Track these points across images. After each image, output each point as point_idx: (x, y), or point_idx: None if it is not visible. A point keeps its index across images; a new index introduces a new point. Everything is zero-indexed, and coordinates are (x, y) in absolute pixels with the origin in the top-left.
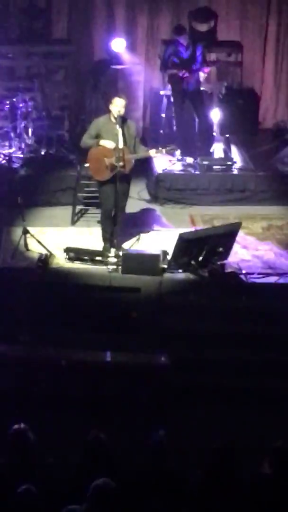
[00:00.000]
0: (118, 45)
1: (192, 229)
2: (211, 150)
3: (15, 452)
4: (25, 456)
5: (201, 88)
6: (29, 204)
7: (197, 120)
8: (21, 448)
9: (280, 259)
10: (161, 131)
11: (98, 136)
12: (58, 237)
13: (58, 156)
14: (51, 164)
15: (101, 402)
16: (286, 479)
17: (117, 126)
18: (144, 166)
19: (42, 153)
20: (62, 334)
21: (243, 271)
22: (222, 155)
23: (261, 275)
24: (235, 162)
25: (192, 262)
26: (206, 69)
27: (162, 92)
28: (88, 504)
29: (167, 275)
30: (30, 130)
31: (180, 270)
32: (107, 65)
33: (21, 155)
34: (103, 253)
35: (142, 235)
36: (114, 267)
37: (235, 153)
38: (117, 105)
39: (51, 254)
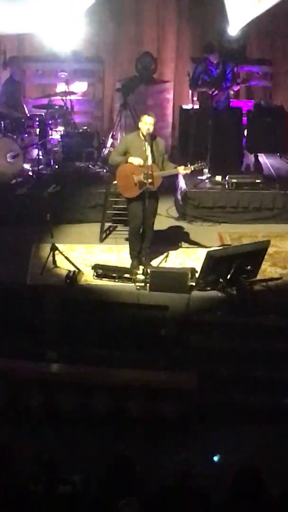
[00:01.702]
0: (147, 63)
1: (221, 247)
2: (240, 168)
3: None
4: (51, 474)
5: (231, 106)
6: (58, 221)
7: (226, 137)
8: (47, 466)
9: None
10: (190, 149)
11: (126, 153)
12: (86, 254)
13: (87, 173)
14: (80, 181)
15: (127, 420)
16: None
17: (146, 143)
18: (172, 183)
19: (71, 170)
20: (89, 352)
21: (272, 289)
22: (251, 173)
23: None
24: (264, 180)
25: (221, 280)
26: (236, 87)
27: (191, 110)
28: None
29: (195, 292)
30: (59, 147)
31: (208, 288)
32: (136, 82)
33: (50, 172)
34: (131, 271)
35: (170, 252)
36: (142, 284)
37: (264, 170)
38: (146, 123)
39: (79, 271)
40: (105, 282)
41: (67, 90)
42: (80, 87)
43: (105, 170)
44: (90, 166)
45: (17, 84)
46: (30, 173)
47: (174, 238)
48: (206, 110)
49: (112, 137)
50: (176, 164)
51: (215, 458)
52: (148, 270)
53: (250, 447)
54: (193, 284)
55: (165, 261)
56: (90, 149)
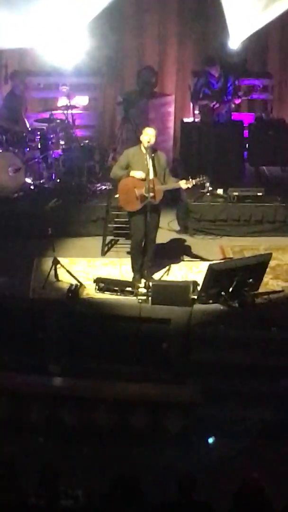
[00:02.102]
0: (148, 76)
1: (223, 260)
2: (241, 181)
3: (43, 482)
4: (54, 487)
5: (232, 119)
6: (60, 234)
7: (227, 150)
8: (49, 478)
9: None
10: (192, 162)
11: (128, 167)
12: (88, 267)
13: (88, 187)
14: (82, 195)
15: (130, 434)
16: None
17: (147, 157)
18: (174, 197)
19: (73, 184)
20: (92, 365)
21: (274, 302)
22: (253, 186)
23: None
24: (265, 193)
25: (223, 293)
26: (237, 100)
27: (192, 123)
28: None
29: (197, 306)
30: (60, 161)
31: (210, 301)
32: (137, 96)
33: (52, 186)
34: (133, 284)
35: (172, 266)
36: (144, 297)
37: (265, 184)
38: (148, 134)
39: (81, 284)
40: (107, 296)
41: (68, 104)
42: (81, 101)
43: (106, 184)
44: (91, 180)
45: (18, 98)
46: (32, 187)
47: (176, 252)
48: (207, 123)
49: (114, 150)
50: (178, 178)
51: (210, 440)
52: (150, 284)
53: (254, 459)
54: (195, 297)
55: (167, 275)
56: (92, 163)
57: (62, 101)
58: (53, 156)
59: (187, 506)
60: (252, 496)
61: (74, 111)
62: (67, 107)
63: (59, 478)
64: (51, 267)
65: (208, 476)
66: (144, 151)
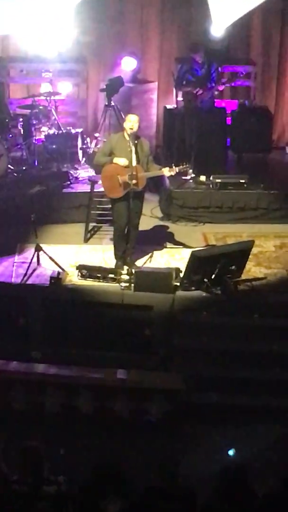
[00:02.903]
0: (129, 63)
1: (205, 247)
2: (224, 168)
3: (26, 469)
4: (37, 473)
5: (215, 106)
6: (42, 221)
7: (210, 137)
8: (32, 465)
9: None
10: (175, 149)
11: (111, 154)
12: (71, 254)
13: (71, 174)
14: (64, 181)
15: (113, 421)
16: None
17: (131, 144)
18: (157, 184)
19: (55, 170)
20: (74, 351)
21: (256, 289)
22: (236, 173)
23: (273, 293)
24: (248, 180)
25: (205, 280)
26: (221, 87)
27: (175, 110)
28: None
29: (179, 292)
30: (43, 147)
31: (193, 288)
32: (120, 82)
33: (35, 172)
34: (116, 271)
35: (155, 252)
36: (127, 284)
37: (248, 171)
38: (130, 121)
39: (63, 271)
40: (89, 282)
41: (51, 91)
42: (64, 87)
43: (89, 171)
44: (74, 166)
45: (0, 85)
46: (14, 174)
47: (158, 238)
48: (190, 110)
49: (97, 137)
50: (161, 165)
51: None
52: (133, 270)
53: (237, 447)
54: (178, 284)
55: (150, 261)
56: (74, 149)
57: (45, 88)
58: (36, 142)
59: (169, 492)
60: (234, 482)
61: (57, 97)
62: (50, 94)
63: (42, 464)
64: (34, 253)
65: (191, 462)
66: (127, 138)
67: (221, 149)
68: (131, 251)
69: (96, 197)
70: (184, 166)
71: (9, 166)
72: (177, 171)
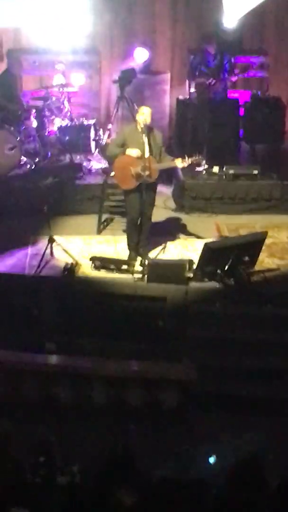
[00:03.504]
0: (142, 54)
1: (218, 238)
2: (237, 159)
3: (40, 460)
4: (50, 463)
5: (228, 97)
6: (55, 212)
7: (223, 128)
8: (45, 456)
9: None
10: (187, 140)
11: (124, 145)
12: (84, 245)
13: (84, 165)
14: (77, 173)
15: (126, 411)
16: None
17: (143, 135)
18: (170, 175)
19: (68, 161)
20: (88, 343)
21: (269, 280)
22: (248, 164)
23: (286, 284)
24: (260, 171)
25: (218, 271)
26: (233, 78)
27: (188, 101)
28: None
29: (193, 284)
30: (56, 139)
31: (206, 279)
32: (133, 74)
33: (48, 164)
34: (129, 262)
35: (167, 244)
36: (140, 276)
37: (261, 162)
38: (143, 113)
39: (77, 263)
40: (103, 274)
41: (64, 82)
42: (77, 79)
43: (102, 162)
44: (87, 158)
45: (13, 77)
46: (27, 165)
47: (171, 230)
48: (203, 101)
49: (109, 129)
50: (174, 156)
51: (211, 460)
52: (146, 262)
53: (248, 438)
54: (191, 275)
55: (163, 253)
56: (87, 141)
57: (58, 79)
58: (49, 134)
59: (183, 483)
60: (248, 472)
61: (70, 89)
62: (63, 85)
63: (55, 456)
64: (47, 245)
65: (205, 454)
66: (140, 129)
67: (234, 140)
68: (144, 242)
69: (109, 188)
70: (197, 157)
71: (22, 157)
72: (190, 162)
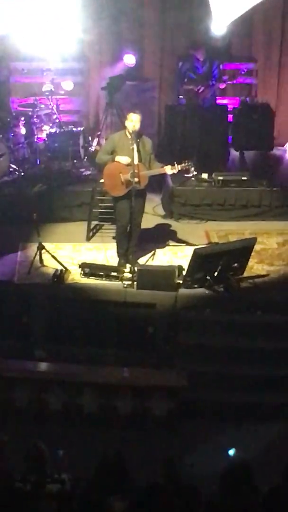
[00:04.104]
0: (131, 60)
1: (208, 244)
2: (226, 165)
3: (30, 467)
4: (40, 471)
5: (217, 103)
6: (44, 219)
7: (212, 135)
8: (36, 464)
9: None
10: (176, 146)
11: (113, 152)
12: (73, 252)
13: (73, 172)
14: (66, 180)
15: (116, 418)
16: None
17: (133, 142)
18: (159, 182)
19: (57, 168)
20: (77, 350)
21: (259, 286)
22: (238, 171)
23: (276, 290)
24: (250, 178)
25: (208, 277)
26: (222, 85)
27: (177, 108)
28: None
29: (182, 290)
30: (45, 146)
31: (195, 286)
32: (122, 81)
33: (37, 171)
34: (118, 269)
35: (157, 250)
36: (129, 282)
37: (250, 168)
38: (132, 120)
39: (66, 269)
40: (92, 281)
41: (52, 89)
42: (66, 85)
43: (91, 169)
44: (76, 165)
45: (2, 84)
46: (16, 172)
47: (161, 236)
48: (192, 107)
49: (98, 136)
50: (163, 163)
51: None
52: (135, 268)
53: (240, 444)
54: (181, 281)
55: (152, 259)
56: (76, 147)
57: (47, 86)
58: (38, 141)
59: (173, 489)
60: (238, 479)
61: (59, 96)
62: (52, 92)
63: (45, 463)
64: (36, 252)
65: (194, 460)
66: (129, 136)
67: (223, 146)
68: (133, 249)
69: (98, 195)
70: (186, 164)
71: (11, 165)
72: (179, 169)
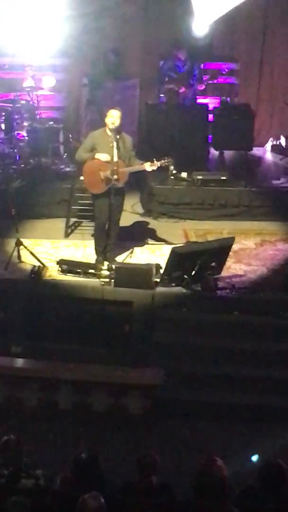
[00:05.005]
0: (112, 58)
1: (186, 243)
2: (205, 165)
3: (4, 462)
4: (16, 467)
5: (197, 103)
6: (23, 216)
7: (192, 134)
8: (11, 458)
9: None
10: (156, 145)
11: (93, 149)
12: (51, 249)
13: (52, 169)
14: (46, 176)
15: (92, 416)
16: (272, 491)
17: (112, 139)
18: (138, 180)
19: (37, 165)
20: (53, 347)
21: (236, 286)
22: (217, 170)
23: (253, 290)
24: (229, 177)
25: (185, 276)
26: (201, 87)
27: (157, 106)
28: None
29: (159, 289)
30: (25, 142)
31: (173, 284)
32: (103, 78)
33: (16, 167)
34: (96, 266)
35: (135, 248)
36: (107, 280)
37: (229, 168)
38: (112, 116)
39: (44, 266)
40: (70, 278)
41: (34, 85)
42: (47, 82)
43: (71, 166)
44: (56, 161)
45: None
46: None
47: (139, 234)
48: (172, 106)
49: (78, 132)
50: (143, 161)
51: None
52: (113, 266)
53: (214, 444)
54: (158, 280)
55: (130, 257)
56: (56, 144)
57: (28, 82)
58: (18, 137)
59: (147, 488)
60: (211, 479)
61: (40, 92)
62: (33, 89)
63: (20, 458)
64: (14, 248)
65: (169, 458)
66: (109, 133)
67: (203, 146)
68: (111, 246)
69: (78, 192)
70: (166, 160)
71: None
72: (159, 165)
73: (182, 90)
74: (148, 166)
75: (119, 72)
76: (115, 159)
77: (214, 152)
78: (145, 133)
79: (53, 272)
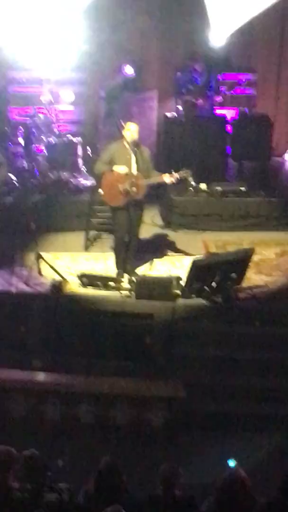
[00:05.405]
0: (130, 71)
1: (206, 255)
2: (224, 176)
3: (28, 476)
4: (38, 481)
5: (215, 114)
6: (43, 229)
7: (210, 146)
8: (34, 473)
9: None
10: (174, 157)
11: (111, 162)
12: (71, 262)
13: (71, 182)
14: (65, 189)
15: (113, 429)
16: None
17: (130, 152)
18: (157, 192)
19: (56, 179)
20: (74, 360)
21: (257, 297)
22: (236, 181)
23: (274, 301)
24: (248, 188)
25: (206, 287)
26: (218, 98)
27: (175, 118)
28: None
29: (180, 300)
30: (43, 156)
31: (193, 296)
32: (120, 91)
33: (35, 181)
34: (116, 279)
35: (155, 260)
36: (127, 292)
37: (248, 178)
38: (130, 129)
39: (64, 279)
40: (90, 291)
41: (51, 99)
42: (65, 96)
43: (89, 179)
44: (74, 175)
45: (0, 94)
46: (15, 183)
47: (159, 246)
48: (190, 118)
49: (97, 146)
50: (161, 173)
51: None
52: (133, 278)
53: (236, 456)
54: (178, 292)
55: (150, 269)
56: (75, 158)
57: (46, 96)
58: (36, 151)
59: (171, 501)
60: (235, 491)
61: (58, 106)
62: (50, 102)
63: (43, 472)
64: (34, 262)
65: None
66: (127, 145)
67: (221, 157)
68: (131, 259)
69: (97, 205)
70: (184, 172)
71: (9, 174)
72: (177, 177)
73: (200, 101)
74: (166, 178)
75: (136, 84)
76: (134, 171)
77: (232, 163)
78: (163, 145)
79: (73, 286)
